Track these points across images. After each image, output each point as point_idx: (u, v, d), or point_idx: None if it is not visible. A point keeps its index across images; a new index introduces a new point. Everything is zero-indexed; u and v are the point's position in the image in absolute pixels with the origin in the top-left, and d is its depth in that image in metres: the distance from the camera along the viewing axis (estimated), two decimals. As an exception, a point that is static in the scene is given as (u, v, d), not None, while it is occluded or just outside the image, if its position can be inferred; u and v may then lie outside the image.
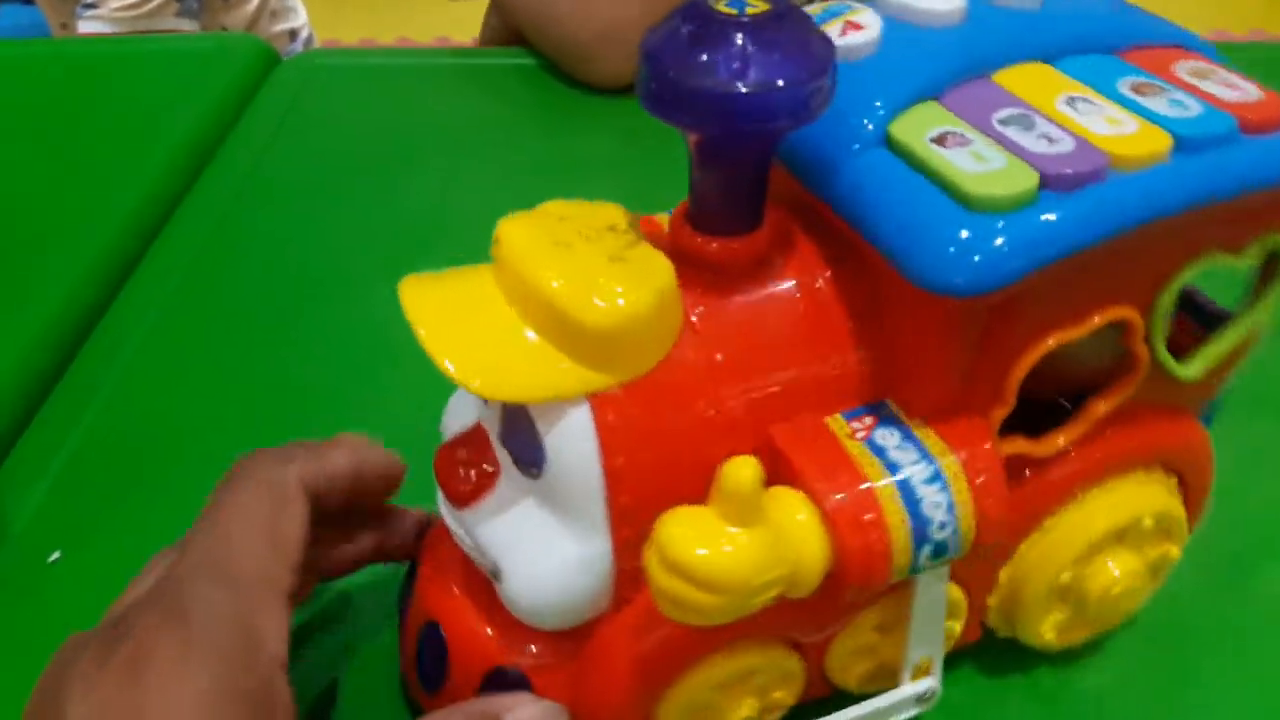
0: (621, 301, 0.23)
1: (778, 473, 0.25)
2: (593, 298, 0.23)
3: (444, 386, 0.26)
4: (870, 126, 0.25)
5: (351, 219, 0.57)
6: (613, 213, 0.26)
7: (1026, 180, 0.23)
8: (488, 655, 0.29)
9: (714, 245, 0.26)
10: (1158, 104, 0.26)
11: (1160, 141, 0.24)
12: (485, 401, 0.27)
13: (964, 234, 0.23)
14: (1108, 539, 0.30)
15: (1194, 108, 0.26)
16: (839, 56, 0.26)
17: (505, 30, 0.77)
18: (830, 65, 0.23)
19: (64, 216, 0.57)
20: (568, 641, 0.28)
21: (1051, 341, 0.25)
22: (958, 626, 0.31)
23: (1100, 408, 0.28)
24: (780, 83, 0.22)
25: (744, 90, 0.22)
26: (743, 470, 0.23)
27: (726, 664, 0.28)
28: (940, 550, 0.25)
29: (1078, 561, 0.30)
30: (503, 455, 0.27)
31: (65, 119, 0.66)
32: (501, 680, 0.29)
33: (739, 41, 0.22)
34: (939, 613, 0.28)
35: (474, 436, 0.27)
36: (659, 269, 0.24)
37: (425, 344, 0.24)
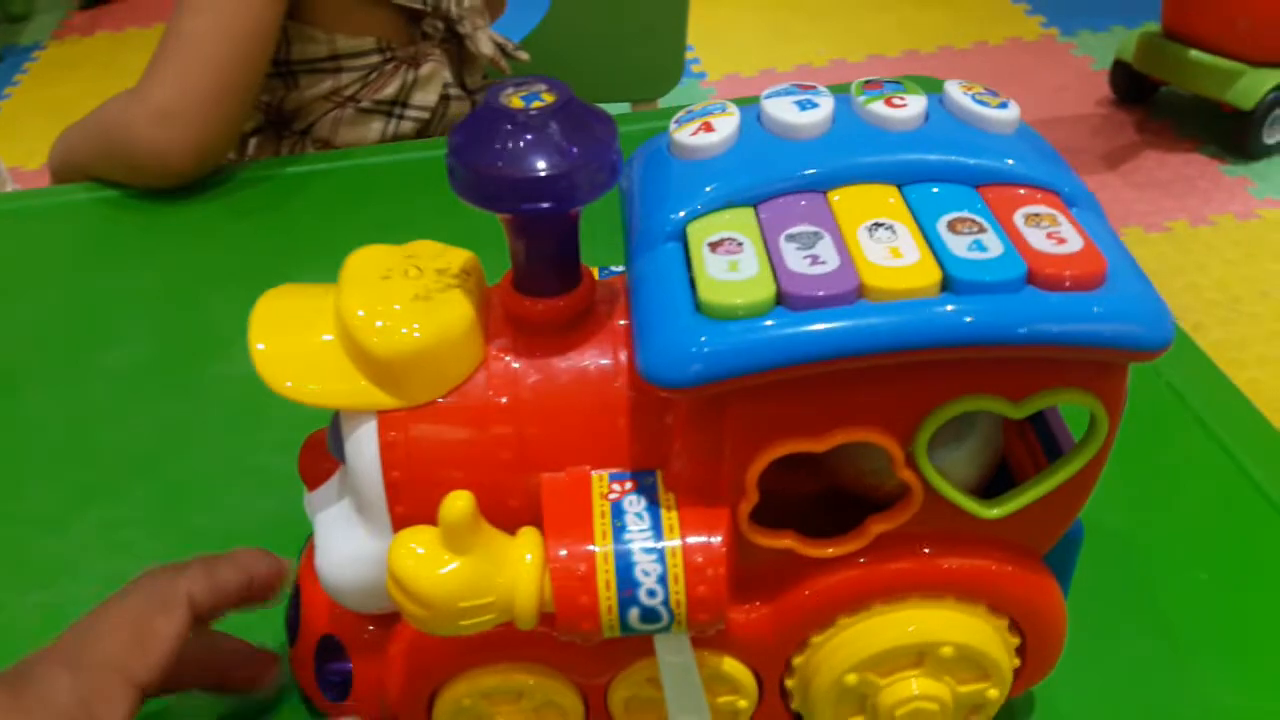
0: (405, 333, 0.27)
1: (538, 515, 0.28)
2: (378, 326, 0.27)
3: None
4: (676, 219, 0.28)
5: None
6: (456, 260, 0.30)
7: (762, 293, 0.25)
8: (320, 624, 0.34)
9: (527, 304, 0.29)
10: (958, 243, 0.26)
11: (928, 278, 0.25)
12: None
13: (677, 334, 0.25)
14: (900, 655, 0.30)
15: (994, 251, 0.26)
16: (686, 155, 0.29)
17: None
18: (603, 150, 0.26)
19: None
20: (386, 627, 0.32)
21: (784, 449, 0.26)
22: (743, 703, 0.32)
23: (875, 526, 0.28)
24: (547, 168, 0.25)
25: (524, 175, 0.25)
26: (457, 502, 0.26)
27: (493, 678, 0.31)
28: (649, 615, 0.27)
29: (866, 667, 0.30)
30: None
31: None
32: (327, 645, 0.34)
33: (523, 132, 0.26)
34: (692, 681, 0.30)
35: (323, 435, 0.32)
36: (456, 313, 0.28)
37: (253, 352, 0.28)
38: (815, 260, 0.26)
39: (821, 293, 0.25)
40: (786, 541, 0.28)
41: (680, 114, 0.30)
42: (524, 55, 0.91)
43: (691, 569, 0.27)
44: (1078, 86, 1.98)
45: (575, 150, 0.26)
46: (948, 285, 0.25)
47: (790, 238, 0.27)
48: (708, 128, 0.29)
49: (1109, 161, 1.81)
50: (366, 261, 0.29)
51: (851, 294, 0.25)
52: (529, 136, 0.26)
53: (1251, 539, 0.42)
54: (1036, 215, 0.27)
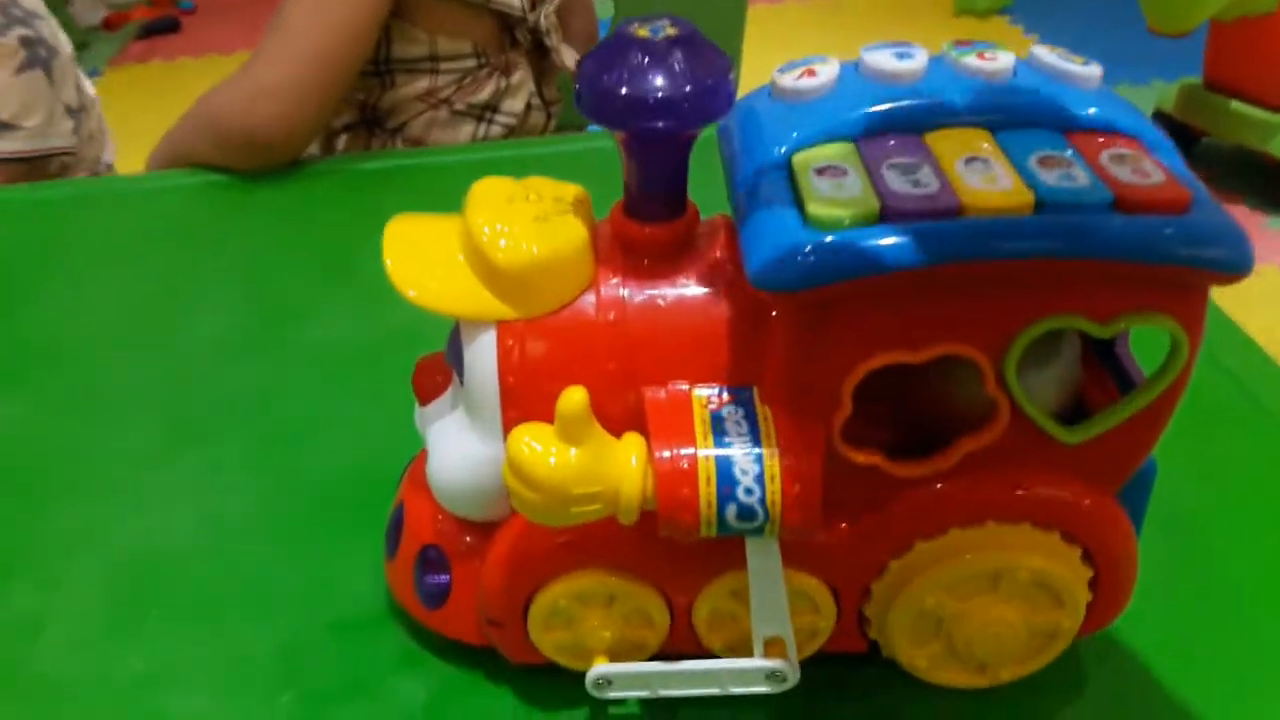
0: (526, 248, 0.30)
1: (642, 425, 0.30)
2: (502, 243, 0.30)
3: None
4: (780, 152, 0.30)
5: None
6: (570, 191, 0.32)
7: (867, 207, 0.27)
8: (423, 534, 0.36)
9: (635, 228, 0.31)
10: (1049, 175, 0.28)
11: (1023, 198, 0.27)
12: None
13: (787, 242, 0.27)
14: (977, 580, 0.32)
15: (1081, 180, 0.28)
16: (789, 98, 0.31)
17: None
18: (717, 79, 0.28)
19: None
20: (485, 536, 0.34)
21: (883, 359, 0.28)
22: (822, 623, 0.33)
23: (964, 445, 0.30)
24: (673, 89, 0.28)
25: (649, 96, 0.28)
26: (574, 395, 0.28)
27: (588, 581, 0.32)
28: (746, 513, 0.29)
29: (945, 591, 0.32)
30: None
31: None
32: (427, 556, 0.36)
33: (648, 59, 0.28)
34: (777, 590, 0.31)
35: (439, 356, 0.34)
36: (571, 234, 0.30)
37: (386, 264, 0.31)
38: (917, 184, 0.28)
39: (919, 207, 0.27)
40: (875, 459, 0.30)
41: (782, 65, 0.33)
42: None
43: (787, 470, 0.28)
44: (1119, 137, 1.98)
45: (692, 76, 0.28)
46: (1040, 207, 0.27)
47: (892, 166, 0.29)
48: (810, 73, 0.32)
49: (1153, 212, 1.81)
50: (490, 188, 0.32)
51: (952, 211, 0.27)
52: (651, 61, 0.28)
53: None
54: (1121, 155, 0.29)
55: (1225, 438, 0.47)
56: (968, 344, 0.28)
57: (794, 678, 0.33)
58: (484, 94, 0.87)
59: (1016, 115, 0.30)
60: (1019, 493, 0.31)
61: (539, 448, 0.28)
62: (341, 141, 0.91)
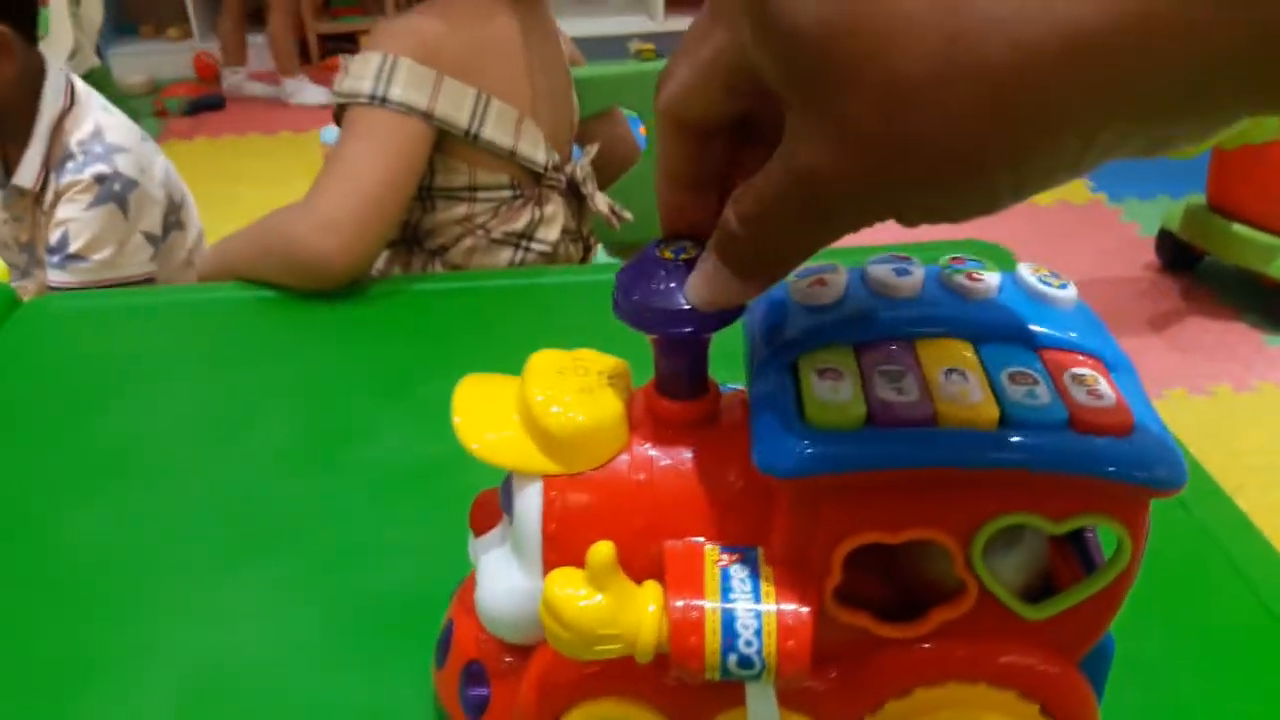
0: (573, 416, 0.35)
1: (660, 573, 0.35)
2: (553, 410, 0.35)
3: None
4: (790, 353, 0.35)
5: (47, 449, 0.64)
6: (612, 365, 0.38)
7: (856, 412, 0.32)
8: (468, 650, 0.41)
9: (665, 405, 0.37)
10: (1017, 391, 0.33)
11: (989, 414, 0.32)
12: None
13: (787, 436, 0.32)
14: None
15: (1044, 400, 0.33)
16: (802, 300, 0.37)
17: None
18: None
19: None
20: (522, 658, 0.39)
21: (865, 538, 0.33)
22: (811, 763, 0.37)
23: (938, 615, 0.35)
24: (687, 304, 0.33)
25: (671, 309, 0.33)
26: (602, 549, 0.33)
27: (607, 707, 0.37)
28: (745, 662, 0.33)
29: None
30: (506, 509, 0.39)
31: None
32: (470, 670, 0.41)
33: (671, 277, 0.34)
34: (771, 728, 0.36)
35: (494, 493, 0.40)
36: (611, 404, 0.36)
37: (456, 424, 0.37)
38: (900, 391, 0.33)
39: (900, 416, 0.32)
40: (862, 620, 0.35)
41: (799, 270, 0.38)
42: (629, 216, 1.03)
43: (783, 627, 0.33)
44: (1124, 251, 2.04)
45: None
46: (1003, 421, 0.32)
47: (881, 373, 0.34)
48: (820, 282, 0.37)
49: (1154, 325, 1.85)
50: (545, 360, 0.38)
51: (928, 420, 0.32)
52: (674, 279, 0.34)
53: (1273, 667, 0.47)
54: (1080, 375, 0.34)
55: (1203, 601, 0.51)
56: (939, 530, 0.33)
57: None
58: (519, 223, 0.96)
59: (996, 331, 0.36)
60: (985, 659, 0.35)
61: (570, 591, 0.34)
62: (382, 260, 0.99)
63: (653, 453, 0.37)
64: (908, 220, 0.27)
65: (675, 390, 0.37)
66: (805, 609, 0.34)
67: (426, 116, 0.89)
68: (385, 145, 0.87)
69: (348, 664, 0.48)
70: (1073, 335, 0.36)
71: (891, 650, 0.35)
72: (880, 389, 0.33)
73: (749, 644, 0.33)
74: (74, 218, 1.26)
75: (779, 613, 0.33)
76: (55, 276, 1.27)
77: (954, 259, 0.38)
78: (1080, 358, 0.35)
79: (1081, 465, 0.31)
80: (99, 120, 1.30)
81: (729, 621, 0.33)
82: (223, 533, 0.57)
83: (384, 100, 0.88)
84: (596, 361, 0.38)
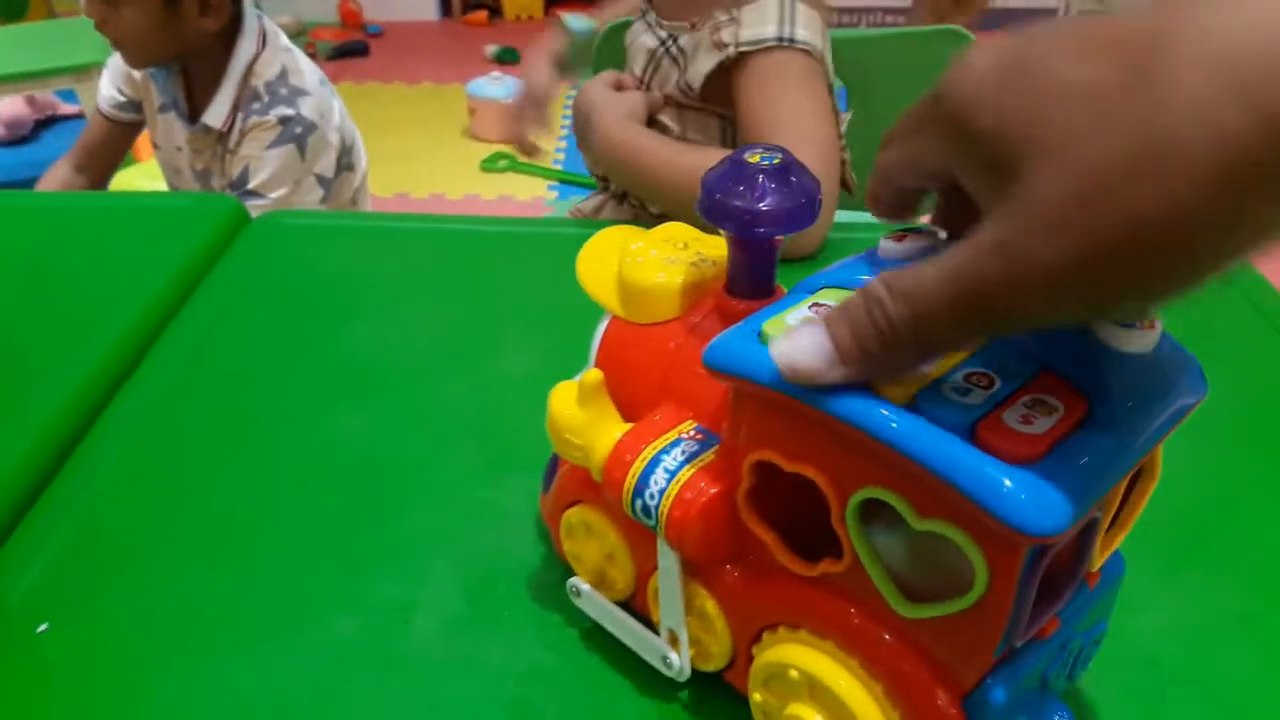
0: (644, 275, 0.42)
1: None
2: (640, 260, 0.42)
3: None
4: (818, 284, 0.37)
5: (305, 356, 0.66)
6: (712, 249, 0.43)
7: (783, 330, 0.34)
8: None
9: (729, 303, 0.41)
10: (958, 387, 0.32)
11: (905, 391, 0.32)
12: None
13: (726, 338, 0.35)
14: (781, 680, 0.37)
15: (971, 402, 0.31)
16: (883, 253, 0.38)
17: None
18: (808, 200, 0.37)
19: (52, 346, 0.67)
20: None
21: (765, 455, 0.35)
22: (715, 648, 0.40)
23: (825, 565, 0.35)
24: (773, 206, 0.37)
25: (754, 208, 0.38)
26: (591, 376, 0.40)
27: (594, 515, 0.44)
28: (645, 511, 0.38)
29: (771, 685, 0.38)
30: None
31: (53, 268, 0.78)
32: (550, 464, 0.49)
33: (758, 180, 0.38)
34: (674, 591, 0.40)
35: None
36: (675, 280, 0.41)
37: (578, 263, 0.45)
38: (848, 341, 0.34)
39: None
40: (765, 535, 0.37)
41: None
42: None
43: (680, 498, 0.37)
44: None
45: (784, 195, 0.37)
46: (913, 403, 0.31)
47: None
48: (899, 237, 0.37)
49: None
50: (673, 230, 0.44)
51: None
52: (757, 182, 0.38)
53: None
54: (1045, 403, 0.31)
55: None
56: (823, 475, 0.34)
57: (682, 671, 0.41)
58: None
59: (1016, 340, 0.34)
60: (841, 619, 0.35)
61: (562, 398, 0.41)
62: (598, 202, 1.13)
63: (692, 331, 0.41)
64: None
65: (742, 288, 0.41)
66: (711, 492, 0.37)
67: (820, 60, 0.87)
68: (814, 92, 0.84)
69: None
70: (1088, 372, 0.32)
71: (783, 579, 0.37)
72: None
73: (652, 497, 0.38)
74: (256, 155, 1.33)
75: (683, 485, 0.37)
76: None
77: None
78: (1067, 391, 0.32)
79: (945, 471, 0.30)
80: (285, 62, 1.35)
81: (647, 473, 0.38)
82: (478, 443, 0.59)
83: (791, 41, 0.85)
84: (709, 248, 0.43)
